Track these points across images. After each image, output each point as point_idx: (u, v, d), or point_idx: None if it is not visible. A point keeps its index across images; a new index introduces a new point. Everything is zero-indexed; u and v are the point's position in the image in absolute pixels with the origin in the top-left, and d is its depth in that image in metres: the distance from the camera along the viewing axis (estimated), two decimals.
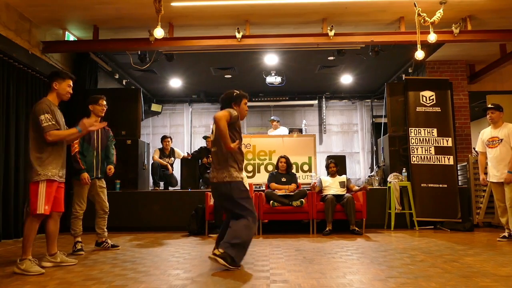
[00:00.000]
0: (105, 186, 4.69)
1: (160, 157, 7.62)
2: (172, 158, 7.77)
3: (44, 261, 3.57)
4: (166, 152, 7.74)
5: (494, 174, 5.21)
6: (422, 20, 5.44)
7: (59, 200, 3.61)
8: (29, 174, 3.44)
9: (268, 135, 8.65)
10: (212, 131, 3.68)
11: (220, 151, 3.51)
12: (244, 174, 6.79)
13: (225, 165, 3.49)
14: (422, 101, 7.03)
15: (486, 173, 5.41)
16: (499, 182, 5.16)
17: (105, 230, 4.64)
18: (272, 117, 9.05)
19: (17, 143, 5.78)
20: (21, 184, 5.76)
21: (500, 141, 5.19)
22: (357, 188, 6.36)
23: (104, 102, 4.53)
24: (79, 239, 4.42)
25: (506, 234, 5.11)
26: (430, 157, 6.82)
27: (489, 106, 5.41)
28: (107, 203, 4.67)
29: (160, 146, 7.90)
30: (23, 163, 5.84)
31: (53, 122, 3.47)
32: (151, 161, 7.83)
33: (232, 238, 3.33)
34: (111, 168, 4.64)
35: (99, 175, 4.59)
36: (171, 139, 7.92)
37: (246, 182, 6.25)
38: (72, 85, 3.72)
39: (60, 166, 3.57)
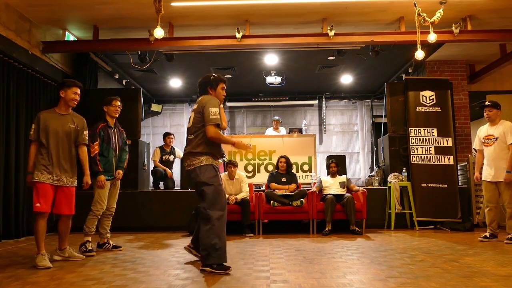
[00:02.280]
0: (119, 186, 4.70)
1: (161, 156, 7.59)
2: (172, 156, 7.76)
3: (55, 255, 3.92)
4: (167, 149, 7.72)
5: (489, 173, 5.08)
6: (422, 20, 5.44)
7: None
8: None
9: (267, 135, 8.62)
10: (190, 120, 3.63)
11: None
12: (243, 173, 6.79)
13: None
14: (422, 101, 7.03)
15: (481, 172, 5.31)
16: (493, 181, 5.05)
17: (108, 231, 4.65)
18: (276, 117, 8.96)
19: (17, 143, 5.77)
20: (22, 184, 5.76)
21: (495, 139, 5.06)
22: (357, 188, 6.36)
23: (118, 103, 4.62)
24: (89, 238, 4.37)
25: (487, 234, 5.07)
26: (430, 157, 6.82)
27: (486, 103, 5.24)
28: (115, 204, 4.68)
29: (160, 144, 7.89)
30: (24, 163, 5.85)
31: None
32: (151, 164, 7.79)
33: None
34: (119, 173, 4.64)
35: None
36: (173, 136, 7.91)
37: (246, 182, 6.27)
38: (78, 92, 3.97)
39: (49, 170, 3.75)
